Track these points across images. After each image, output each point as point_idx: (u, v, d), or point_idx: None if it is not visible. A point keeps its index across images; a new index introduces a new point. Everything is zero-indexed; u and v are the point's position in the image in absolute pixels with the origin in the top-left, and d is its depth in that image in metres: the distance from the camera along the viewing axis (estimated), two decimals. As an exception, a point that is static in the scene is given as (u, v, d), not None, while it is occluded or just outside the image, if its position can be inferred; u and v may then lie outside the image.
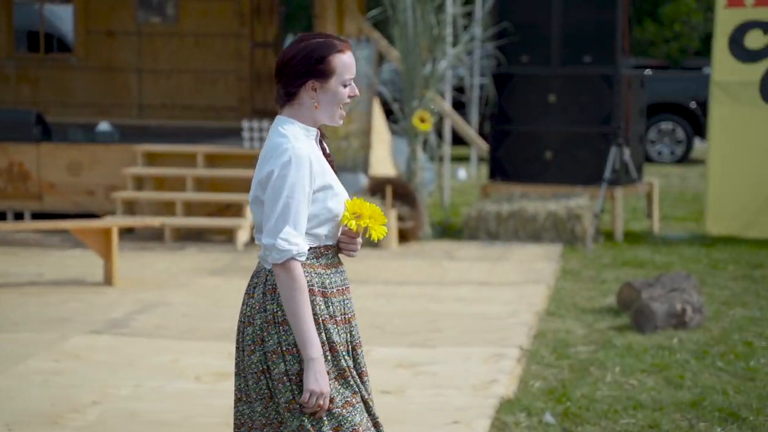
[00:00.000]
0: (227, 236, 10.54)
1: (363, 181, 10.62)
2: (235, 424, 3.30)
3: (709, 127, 10.94)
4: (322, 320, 3.17)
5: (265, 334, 3.18)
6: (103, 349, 6.50)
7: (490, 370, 6.04)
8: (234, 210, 10.66)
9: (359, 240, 3.27)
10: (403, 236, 10.38)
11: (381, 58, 11.98)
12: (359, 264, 9.32)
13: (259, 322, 3.19)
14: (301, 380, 3.13)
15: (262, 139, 10.71)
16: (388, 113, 13.32)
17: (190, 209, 10.67)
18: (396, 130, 11.37)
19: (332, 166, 3.28)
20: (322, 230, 3.20)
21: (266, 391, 3.20)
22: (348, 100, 3.24)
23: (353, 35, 11.51)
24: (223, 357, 6.31)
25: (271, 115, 12.25)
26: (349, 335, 3.25)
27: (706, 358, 6.36)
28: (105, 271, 8.42)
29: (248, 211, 10.34)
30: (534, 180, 11.15)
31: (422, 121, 10.40)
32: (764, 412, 5.37)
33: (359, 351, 3.28)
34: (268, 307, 3.18)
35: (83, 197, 10.94)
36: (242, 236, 10.16)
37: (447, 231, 11.10)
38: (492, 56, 11.42)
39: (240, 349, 3.26)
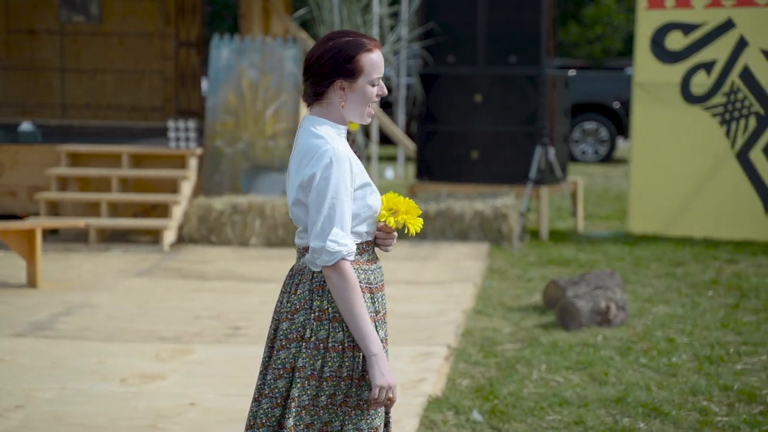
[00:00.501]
0: (153, 237, 10.45)
1: (290, 181, 10.59)
2: (246, 425, 3.29)
3: (631, 127, 11.12)
4: (371, 317, 3.20)
5: (308, 330, 3.18)
6: (27, 352, 6.40)
7: (418, 368, 6.08)
8: (160, 210, 10.58)
9: (395, 234, 3.29)
10: (331, 236, 10.38)
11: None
12: (287, 264, 9.30)
13: (301, 319, 3.20)
14: (337, 378, 3.15)
15: (188, 139, 10.63)
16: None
17: (116, 210, 10.55)
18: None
19: (361, 162, 3.29)
20: (363, 227, 3.22)
21: (282, 391, 3.19)
22: (376, 99, 3.25)
23: (279, 35, 11.49)
24: (149, 359, 6.26)
25: (195, 115, 12.18)
26: (385, 331, 3.31)
27: (629, 355, 6.46)
28: (28, 272, 8.30)
29: (175, 211, 10.26)
30: (461, 179, 11.24)
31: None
32: (686, 407, 5.47)
33: (387, 347, 3.31)
34: (314, 304, 3.19)
35: (5, 198, 10.77)
36: (168, 237, 10.08)
37: (374, 231, 11.12)
38: (419, 56, 11.48)
39: (270, 345, 3.27)
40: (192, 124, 10.64)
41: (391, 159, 17.97)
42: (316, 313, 3.18)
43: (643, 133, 10.91)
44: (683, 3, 10.66)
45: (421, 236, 10.52)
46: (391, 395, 3.15)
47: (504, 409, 5.44)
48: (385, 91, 3.28)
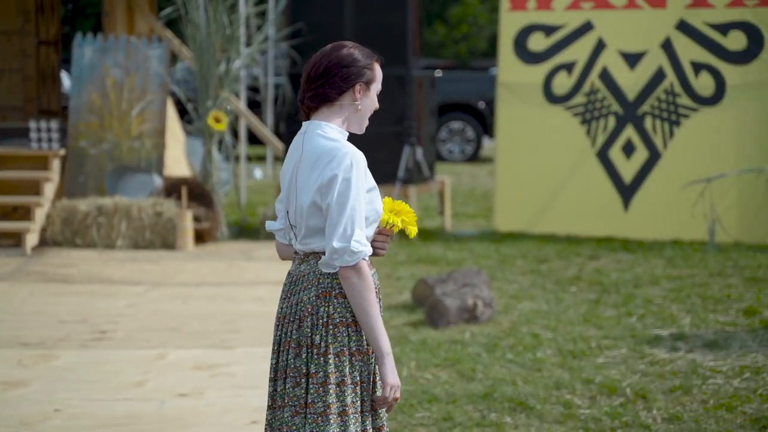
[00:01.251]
0: (14, 240, 10.18)
1: (157, 182, 10.46)
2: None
3: (496, 126, 11.32)
4: None
5: (315, 336, 3.22)
6: None
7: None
8: (22, 213, 10.31)
9: (390, 238, 3.38)
10: (200, 237, 10.29)
11: (174, 58, 11.81)
12: (154, 266, 9.19)
13: (309, 325, 3.23)
14: (351, 384, 3.20)
15: (50, 140, 10.39)
16: (183, 113, 13.17)
17: (-25, 213, 10.25)
18: (191, 131, 11.24)
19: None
20: (370, 231, 3.28)
21: (302, 396, 3.23)
22: (375, 109, 3.35)
23: (144, 34, 11.32)
24: (11, 365, 6.11)
25: (57, 115, 11.91)
26: None
27: (496, 351, 6.58)
28: None
29: (37, 213, 10.02)
30: (329, 179, 11.25)
31: (217, 121, 10.33)
32: (550, 401, 5.61)
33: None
34: (320, 310, 3.23)
35: None
36: (31, 240, 9.83)
37: (244, 231, 11.07)
38: (287, 56, 11.45)
39: (280, 351, 3.28)
40: (54, 124, 10.41)
41: (261, 159, 17.90)
42: (324, 320, 3.22)
43: (508, 132, 11.12)
44: (544, 5, 10.91)
45: (291, 236, 10.50)
46: (397, 395, 3.24)
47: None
48: (377, 105, 3.36)
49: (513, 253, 9.93)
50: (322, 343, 3.21)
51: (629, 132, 10.69)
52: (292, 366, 3.23)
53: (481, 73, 20.36)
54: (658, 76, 10.56)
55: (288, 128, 11.44)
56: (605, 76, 10.73)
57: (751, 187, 10.26)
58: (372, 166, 10.89)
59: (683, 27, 10.45)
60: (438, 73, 19.84)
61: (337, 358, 3.21)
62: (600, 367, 6.24)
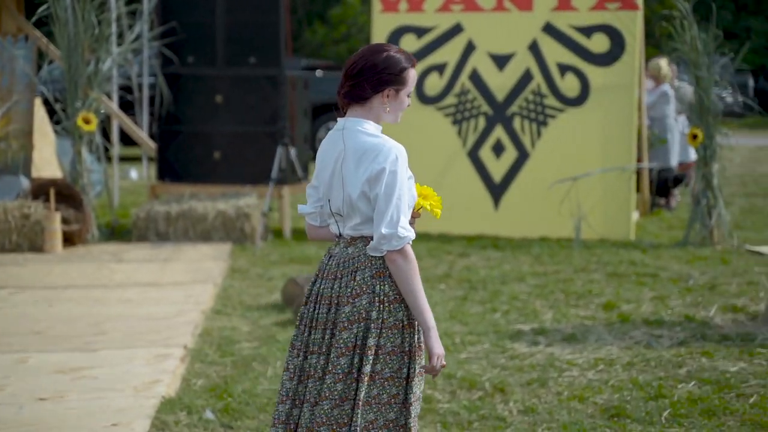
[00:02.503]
0: None
1: (24, 183, 10.28)
2: (303, 400, 3.61)
3: (370, 126, 11.41)
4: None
5: (373, 312, 3.54)
6: None
7: (153, 370, 6.06)
8: None
9: (415, 221, 3.66)
10: (69, 239, 10.15)
11: (42, 57, 11.62)
12: (21, 269, 9.05)
13: (365, 302, 3.54)
14: (401, 353, 3.55)
15: None
16: (52, 113, 12.95)
17: None
18: (60, 131, 11.09)
19: None
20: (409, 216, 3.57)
21: (348, 366, 3.54)
22: (406, 108, 3.64)
23: (11, 33, 11.12)
24: None
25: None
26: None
27: (362, 348, 6.67)
28: None
29: None
30: (203, 180, 11.23)
31: (86, 122, 10.21)
32: (412, 396, 5.72)
33: None
34: (377, 288, 3.55)
35: None
36: None
37: (115, 233, 10.96)
38: (160, 56, 11.37)
39: (323, 328, 3.59)
40: None
41: (136, 159, 17.71)
42: (380, 296, 3.55)
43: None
44: (415, 7, 11.06)
45: (163, 238, 10.46)
46: (444, 362, 3.57)
47: (237, 407, 5.52)
48: (406, 105, 3.64)
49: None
50: (380, 317, 3.55)
51: (499, 132, 10.91)
52: (343, 338, 3.55)
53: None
54: (526, 77, 10.81)
55: (161, 129, 11.36)
56: (475, 78, 10.93)
57: (615, 185, 10.57)
58: (245, 166, 10.90)
59: (549, 30, 10.72)
60: (319, 74, 19.92)
61: (394, 330, 3.56)
62: (462, 362, 6.38)
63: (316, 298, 3.63)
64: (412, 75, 3.61)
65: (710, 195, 10.30)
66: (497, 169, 10.91)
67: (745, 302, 7.88)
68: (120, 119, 12.11)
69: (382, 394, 3.57)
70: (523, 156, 10.85)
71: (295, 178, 11.19)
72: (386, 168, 3.48)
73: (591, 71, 10.64)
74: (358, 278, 3.56)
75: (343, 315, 3.56)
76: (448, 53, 11.01)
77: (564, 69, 10.70)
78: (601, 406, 5.54)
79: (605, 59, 10.61)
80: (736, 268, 9.20)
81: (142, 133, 12.35)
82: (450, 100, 11.02)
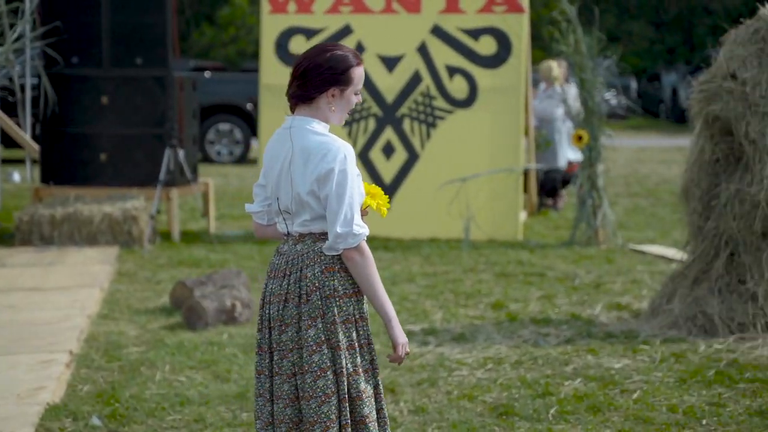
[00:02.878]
0: None
1: None
2: (272, 397, 3.69)
3: (259, 128, 11.37)
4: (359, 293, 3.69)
5: (325, 308, 3.61)
6: None
7: (37, 377, 5.93)
8: None
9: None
10: (-51, 244, 9.87)
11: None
12: None
13: (318, 298, 3.60)
14: (359, 347, 3.64)
15: None
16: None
17: None
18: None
19: None
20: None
21: (326, 361, 3.60)
22: (355, 106, 3.74)
23: None
24: None
25: None
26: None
27: (252, 352, 6.62)
28: None
29: None
30: (89, 182, 11.03)
31: (-34, 123, 9.94)
32: (302, 398, 5.70)
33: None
34: (326, 283, 3.62)
35: None
36: None
37: (-2, 237, 10.70)
38: (43, 56, 11.13)
39: (279, 325, 3.64)
40: None
41: (19, 162, 17.31)
42: (329, 291, 3.61)
43: (271, 134, 11.13)
44: (304, 9, 11.04)
45: (47, 241, 10.24)
46: (408, 350, 3.69)
47: (125, 412, 5.44)
48: (361, 99, 3.73)
49: (276, 254, 9.98)
50: (330, 313, 3.61)
51: (389, 134, 10.96)
52: (305, 337, 3.61)
53: (249, 75, 20.36)
54: (415, 79, 10.88)
55: (44, 131, 11.12)
56: (365, 79, 10.93)
57: (503, 186, 10.71)
58: (132, 168, 10.71)
59: (437, 32, 10.81)
60: (207, 75, 19.75)
61: (345, 326, 3.62)
62: (353, 363, 6.38)
63: (269, 298, 3.69)
64: (358, 73, 3.67)
65: (595, 195, 10.52)
66: (387, 170, 10.96)
67: (629, 300, 8.07)
68: (2, 121, 11.81)
69: (354, 388, 3.66)
70: (412, 157, 10.92)
71: (183, 180, 11.06)
72: (335, 168, 3.56)
73: (479, 73, 10.76)
74: (308, 275, 3.62)
75: (306, 313, 3.62)
76: (338, 55, 11.00)
77: (452, 71, 10.81)
78: (490, 404, 5.60)
79: (493, 61, 10.74)
80: (621, 266, 9.41)
81: (25, 135, 12.07)
82: (340, 101, 11.01)
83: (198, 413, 5.45)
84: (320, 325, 3.61)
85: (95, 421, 5.31)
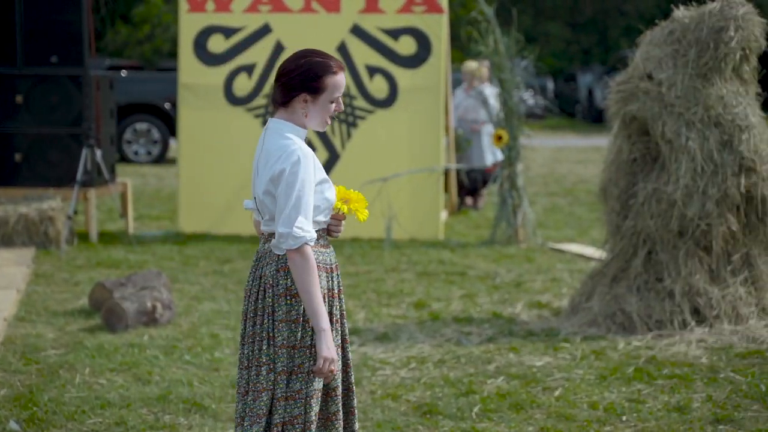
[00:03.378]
0: None
1: None
2: (238, 390, 3.78)
3: (178, 128, 11.26)
4: (329, 294, 3.75)
5: (276, 305, 3.68)
6: None
7: (-48, 382, 5.80)
8: None
9: (344, 222, 3.84)
10: None
11: None
12: None
13: (270, 295, 3.69)
14: (302, 347, 3.68)
15: None
16: None
17: None
18: None
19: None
20: (321, 217, 3.74)
21: (268, 357, 3.69)
22: (333, 113, 3.76)
23: None
24: None
25: None
26: (340, 306, 3.83)
27: (174, 353, 6.56)
28: None
29: None
30: (4, 183, 10.82)
31: None
32: (226, 400, 5.67)
33: (345, 319, 3.86)
34: (280, 282, 3.69)
35: None
36: None
37: None
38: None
39: (247, 319, 3.76)
40: None
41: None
42: (281, 290, 3.68)
43: (190, 134, 11.10)
44: (223, 7, 10.96)
45: (-39, 243, 10.01)
46: (333, 368, 3.64)
47: (44, 416, 5.35)
48: (342, 107, 3.79)
49: (196, 255, 9.92)
50: (280, 311, 3.67)
51: (308, 133, 10.91)
52: (258, 331, 3.70)
53: (166, 74, 20.15)
54: (336, 78, 10.85)
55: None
56: (284, 79, 10.90)
57: (424, 186, 10.76)
58: (48, 168, 10.50)
59: (357, 31, 10.81)
60: (123, 74, 19.50)
61: (293, 325, 3.67)
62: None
63: (247, 293, 3.81)
64: (333, 81, 3.70)
65: (515, 195, 10.62)
66: (308, 170, 10.92)
67: (549, 298, 8.16)
68: None
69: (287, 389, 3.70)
70: (333, 157, 10.91)
71: (101, 181, 10.90)
72: (286, 168, 3.61)
73: (399, 73, 10.79)
74: (266, 273, 3.71)
75: (257, 310, 3.73)
76: (257, 54, 10.96)
77: (372, 71, 10.82)
78: (414, 403, 5.62)
79: (412, 61, 10.78)
80: (540, 265, 9.51)
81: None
82: (260, 101, 10.97)
83: (119, 416, 5.38)
84: (268, 322, 3.69)
85: (13, 425, 5.21)
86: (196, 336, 7.00)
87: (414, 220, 10.79)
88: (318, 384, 3.72)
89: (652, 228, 7.14)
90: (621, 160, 7.43)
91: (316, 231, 3.73)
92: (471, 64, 13.26)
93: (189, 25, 11.03)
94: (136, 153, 19.04)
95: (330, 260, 3.80)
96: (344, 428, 3.89)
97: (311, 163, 3.65)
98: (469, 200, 13.40)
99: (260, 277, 3.73)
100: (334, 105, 3.75)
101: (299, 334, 3.68)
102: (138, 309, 7.22)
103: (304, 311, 3.67)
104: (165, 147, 19.16)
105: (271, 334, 3.69)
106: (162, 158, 19.15)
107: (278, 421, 3.68)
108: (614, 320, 7.08)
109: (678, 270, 7.09)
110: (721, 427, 5.28)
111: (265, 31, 10.92)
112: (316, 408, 3.72)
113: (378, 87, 10.83)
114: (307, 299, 3.62)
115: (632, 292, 7.16)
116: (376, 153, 10.81)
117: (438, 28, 10.77)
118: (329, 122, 3.82)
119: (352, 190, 3.82)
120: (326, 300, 3.72)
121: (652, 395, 5.77)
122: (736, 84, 7.36)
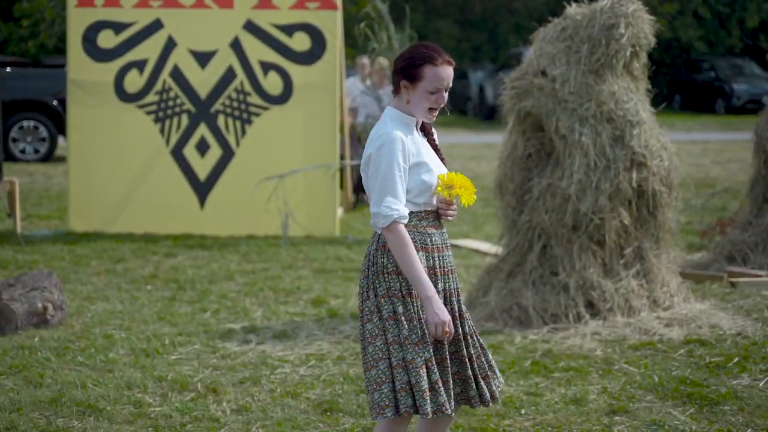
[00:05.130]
0: None
1: None
2: (365, 364, 3.93)
3: (68, 125, 11.01)
4: (430, 272, 3.91)
5: (376, 282, 3.90)
6: None
7: None
8: None
9: (454, 206, 4.01)
10: None
11: None
12: None
13: (372, 272, 3.92)
14: (407, 320, 3.86)
15: None
16: None
17: None
18: None
19: (436, 149, 4.01)
20: (421, 199, 3.92)
21: (379, 329, 3.87)
22: (434, 105, 3.91)
23: None
24: None
25: None
26: (447, 284, 4.00)
27: (66, 354, 6.41)
28: None
29: None
30: None
31: None
32: (121, 401, 5.55)
33: (455, 298, 4.02)
34: (378, 260, 3.92)
35: None
36: None
37: None
38: None
39: (362, 294, 3.96)
40: None
41: None
42: (380, 268, 3.91)
43: (80, 131, 10.86)
44: (112, 2, 10.75)
45: None
46: (447, 329, 3.80)
47: (-70, 424, 5.16)
48: (445, 101, 3.92)
49: (88, 254, 9.71)
50: (381, 287, 3.89)
51: (202, 130, 10.80)
52: (369, 306, 3.91)
53: (55, 70, 19.69)
54: (229, 75, 10.76)
55: None
56: (177, 75, 10.76)
57: (320, 182, 10.73)
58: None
59: (250, 27, 10.71)
60: (8, 71, 19.00)
61: (393, 299, 3.87)
62: (173, 363, 6.26)
63: (361, 271, 4.06)
64: (432, 72, 3.87)
65: (411, 190, 10.63)
66: (202, 167, 10.80)
67: (446, 293, 8.18)
68: None
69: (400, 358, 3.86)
70: (228, 154, 10.79)
71: (-13, 179, 10.60)
72: (373, 153, 3.85)
73: (293, 69, 10.73)
74: (370, 251, 3.96)
75: (363, 286, 3.96)
76: (148, 50, 10.78)
77: (267, 67, 10.73)
78: (314, 401, 5.58)
79: (307, 58, 10.72)
80: (436, 260, 9.53)
81: None
82: (151, 97, 10.80)
83: (9, 420, 5.22)
84: (373, 297, 3.91)
85: None
86: (89, 337, 6.85)
87: (310, 217, 10.74)
88: (427, 353, 3.85)
89: (547, 223, 7.23)
90: (516, 156, 7.50)
91: (420, 212, 3.93)
92: (378, 62, 13.20)
93: (77, 20, 10.79)
94: (23, 151, 18.58)
95: (433, 241, 3.96)
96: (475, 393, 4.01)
97: (399, 146, 3.83)
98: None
99: (366, 256, 3.98)
100: (435, 96, 3.89)
101: (401, 308, 3.86)
102: (28, 310, 7.03)
103: (402, 286, 3.87)
104: (53, 145, 18.73)
105: (377, 309, 3.90)
106: (50, 156, 18.72)
107: (398, 387, 3.83)
108: (511, 314, 7.14)
109: (572, 264, 7.19)
110: (616, 417, 5.37)
111: (156, 26, 10.75)
112: (429, 377, 3.84)
113: (272, 83, 10.74)
114: (407, 271, 3.82)
115: (528, 287, 7.23)
116: (271, 150, 10.73)
117: (332, 24, 10.73)
118: (433, 115, 3.95)
119: (460, 175, 3.93)
120: (398, 273, 3.89)
121: (549, 388, 5.83)
122: (627, 80, 7.49)
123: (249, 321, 7.29)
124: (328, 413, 5.40)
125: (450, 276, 4.03)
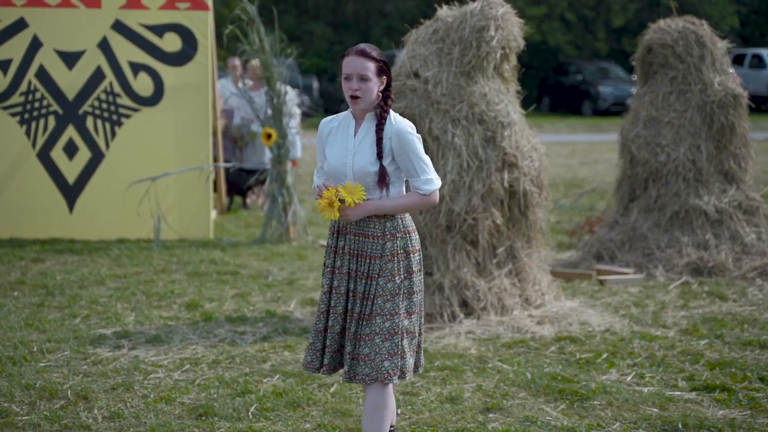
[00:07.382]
0: None
1: None
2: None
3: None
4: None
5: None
6: None
7: None
8: None
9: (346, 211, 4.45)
10: None
11: None
12: None
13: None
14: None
15: None
16: None
17: None
18: None
19: (379, 141, 4.34)
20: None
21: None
22: (349, 92, 4.31)
23: None
24: None
25: None
26: (353, 266, 4.59)
27: (-71, 365, 6.18)
28: None
29: None
30: None
31: None
32: (-12, 411, 5.38)
33: (364, 280, 4.52)
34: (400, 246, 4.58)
35: None
36: None
37: None
38: None
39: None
40: None
41: None
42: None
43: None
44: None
45: None
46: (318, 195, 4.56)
47: None
48: (355, 88, 4.28)
49: (-50, 261, 9.40)
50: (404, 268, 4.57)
51: (71, 132, 10.56)
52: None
53: None
54: (97, 76, 10.54)
55: None
56: (43, 76, 10.50)
57: (192, 185, 10.60)
58: None
59: (119, 27, 10.52)
60: None
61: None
62: (41, 371, 6.10)
63: None
64: (343, 63, 4.33)
65: (286, 193, 10.61)
66: (71, 170, 10.55)
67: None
68: None
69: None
70: (97, 156, 10.57)
71: None
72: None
73: (164, 70, 10.57)
74: (393, 238, 4.57)
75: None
76: (13, 50, 10.49)
77: (137, 68, 10.55)
78: (189, 405, 5.51)
79: (178, 59, 10.58)
80: (312, 263, 9.53)
81: None
82: (16, 98, 10.50)
83: None
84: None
85: None
86: (-48, 346, 6.62)
87: (183, 219, 10.60)
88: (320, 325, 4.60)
89: (422, 223, 7.28)
90: (390, 157, 7.52)
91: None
92: (255, 63, 13.07)
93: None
94: None
95: (347, 226, 4.64)
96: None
97: (318, 132, 4.54)
98: (241, 199, 13.29)
99: (382, 244, 4.54)
100: (346, 84, 4.32)
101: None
102: None
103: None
104: None
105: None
106: None
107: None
108: (386, 315, 7.15)
109: (447, 264, 7.26)
110: (491, 415, 5.43)
111: (20, 25, 10.46)
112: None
113: (143, 84, 10.57)
114: (398, 210, 4.56)
115: (403, 287, 7.25)
116: (142, 152, 10.55)
117: (203, 25, 10.61)
118: (353, 103, 4.33)
119: (347, 184, 4.35)
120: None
121: (425, 387, 5.87)
122: (498, 82, 7.60)
123: (121, 326, 7.16)
124: (203, 418, 5.33)
125: (360, 260, 4.50)
